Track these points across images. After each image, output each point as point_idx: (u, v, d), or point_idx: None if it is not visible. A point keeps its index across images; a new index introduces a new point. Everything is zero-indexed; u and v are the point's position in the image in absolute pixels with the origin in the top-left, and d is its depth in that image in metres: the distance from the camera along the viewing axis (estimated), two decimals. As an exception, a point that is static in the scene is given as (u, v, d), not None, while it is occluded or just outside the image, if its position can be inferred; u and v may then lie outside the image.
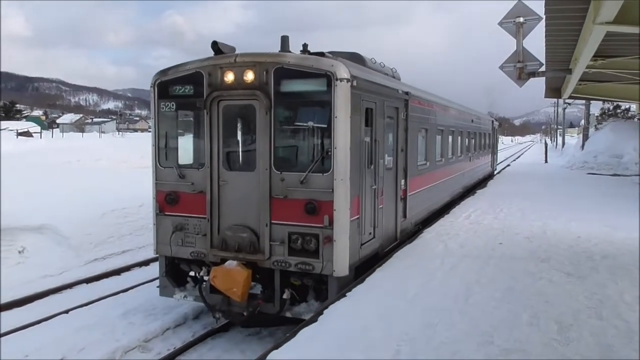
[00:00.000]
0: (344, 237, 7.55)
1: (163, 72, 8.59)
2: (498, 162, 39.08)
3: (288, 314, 7.77)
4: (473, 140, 20.75)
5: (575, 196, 18.99)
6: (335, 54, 8.50)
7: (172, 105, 8.50)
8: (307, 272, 7.59)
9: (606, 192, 20.81)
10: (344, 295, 7.30)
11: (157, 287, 8.93)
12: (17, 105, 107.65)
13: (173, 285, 8.77)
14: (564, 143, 64.94)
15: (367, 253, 8.58)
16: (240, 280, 7.56)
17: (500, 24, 11.65)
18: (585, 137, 41.53)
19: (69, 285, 10.97)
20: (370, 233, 8.71)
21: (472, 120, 19.97)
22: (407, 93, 10.55)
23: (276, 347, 5.68)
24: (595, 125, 45.20)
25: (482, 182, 23.57)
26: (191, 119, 8.71)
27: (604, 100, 38.90)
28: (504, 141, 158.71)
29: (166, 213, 8.51)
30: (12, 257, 11.98)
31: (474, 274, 8.38)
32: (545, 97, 22.59)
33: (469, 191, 19.91)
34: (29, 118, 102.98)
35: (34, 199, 14.10)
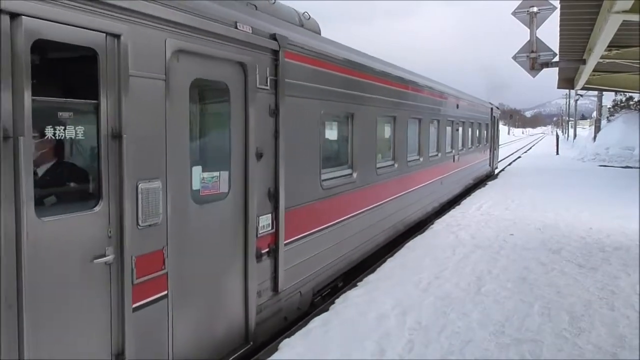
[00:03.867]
0: None
1: None
2: (503, 157, 38.21)
3: None
4: (459, 133, 15.77)
5: (587, 188, 18.88)
6: None
7: None
8: None
9: (618, 184, 20.65)
10: (356, 285, 7.35)
11: None
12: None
13: None
14: (575, 135, 64.41)
15: None
16: None
17: (514, 13, 11.57)
18: (597, 129, 41.21)
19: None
20: None
21: (458, 106, 15.10)
22: (274, 37, 5.42)
23: (288, 335, 5.73)
24: (608, 117, 44.77)
25: (474, 187, 18.89)
26: None
27: (616, 92, 38.49)
28: (515, 133, 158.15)
29: None
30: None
31: (486, 264, 8.41)
32: (558, 87, 22.35)
33: (455, 201, 15.54)
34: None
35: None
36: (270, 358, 5.12)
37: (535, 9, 11.21)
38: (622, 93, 42.66)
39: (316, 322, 5.94)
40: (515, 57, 12.01)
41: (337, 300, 6.72)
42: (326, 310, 6.42)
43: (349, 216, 7.58)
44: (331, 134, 7.70)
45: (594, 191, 17.91)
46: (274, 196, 5.55)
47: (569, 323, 6.09)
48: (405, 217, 10.49)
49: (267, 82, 5.36)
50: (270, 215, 5.52)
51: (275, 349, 5.34)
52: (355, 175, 7.77)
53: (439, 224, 11.76)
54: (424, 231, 11.09)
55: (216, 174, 4.83)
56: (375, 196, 8.68)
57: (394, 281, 7.44)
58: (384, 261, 8.58)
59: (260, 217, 5.31)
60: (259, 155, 5.28)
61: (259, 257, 5.31)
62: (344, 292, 7.07)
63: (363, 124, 8.00)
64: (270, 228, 5.52)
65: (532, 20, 11.40)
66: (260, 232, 5.32)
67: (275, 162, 5.58)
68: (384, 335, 5.62)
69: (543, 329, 5.89)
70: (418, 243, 9.91)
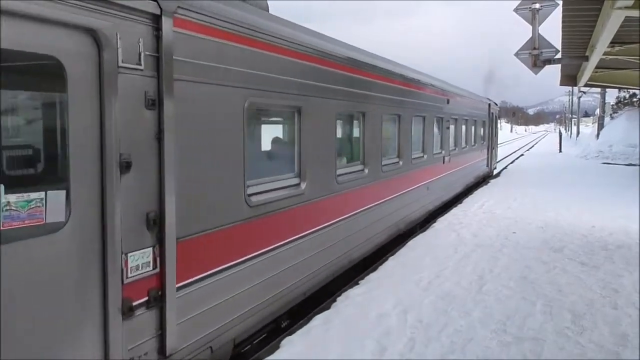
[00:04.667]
0: None
1: None
2: (506, 155, 38.04)
3: None
4: (450, 131, 14.17)
5: (589, 186, 18.81)
6: None
7: None
8: None
9: (621, 182, 20.58)
10: (357, 283, 7.33)
11: None
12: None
13: None
14: (578, 132, 64.25)
15: None
16: None
17: (516, 10, 11.54)
18: (600, 126, 41.08)
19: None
20: None
21: (449, 101, 13.59)
22: None
23: (289, 333, 5.72)
24: (611, 114, 44.63)
25: (470, 190, 17.60)
26: None
27: (619, 88, 38.35)
28: (518, 131, 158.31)
29: None
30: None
31: (487, 263, 8.38)
32: (561, 84, 22.29)
33: (447, 206, 14.21)
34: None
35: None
36: (270, 357, 5.11)
37: (537, 6, 11.19)
38: (625, 90, 42.53)
39: (317, 321, 5.93)
40: (517, 54, 11.99)
41: (338, 299, 6.70)
42: (327, 308, 6.41)
43: (293, 238, 5.87)
44: (265, 133, 6.39)
45: (597, 189, 17.83)
46: (156, 222, 3.87)
47: (571, 321, 6.06)
48: (379, 232, 8.70)
49: (140, 60, 3.68)
50: (150, 249, 3.85)
51: (277, 347, 5.33)
52: (304, 185, 6.07)
53: (441, 223, 11.73)
54: (425, 230, 11.07)
55: (38, 195, 3.18)
56: (336, 211, 7.00)
57: (395, 279, 7.42)
58: (385, 260, 8.56)
59: (130, 255, 3.67)
60: (125, 166, 3.59)
61: (128, 311, 3.66)
62: (345, 290, 7.05)
63: (316, 120, 6.35)
64: (150, 268, 3.85)
65: (534, 17, 11.36)
66: (130, 275, 3.67)
67: (158, 175, 3.87)
68: (385, 333, 5.60)
69: (545, 328, 5.86)
70: (419, 242, 9.88)
